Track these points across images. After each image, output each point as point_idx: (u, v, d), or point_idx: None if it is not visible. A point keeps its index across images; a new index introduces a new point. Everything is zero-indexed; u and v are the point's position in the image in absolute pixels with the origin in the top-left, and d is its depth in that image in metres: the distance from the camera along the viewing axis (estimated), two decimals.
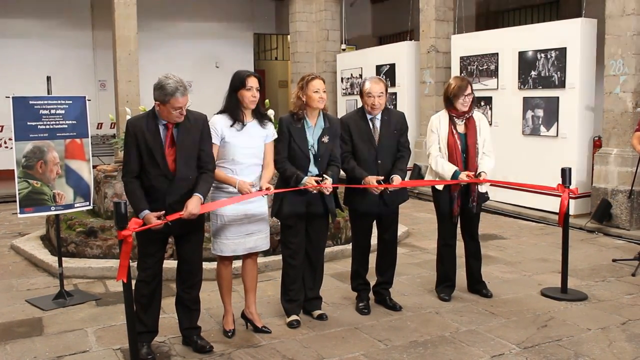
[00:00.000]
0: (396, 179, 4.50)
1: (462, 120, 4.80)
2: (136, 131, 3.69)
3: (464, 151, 4.79)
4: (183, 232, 3.85)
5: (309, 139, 4.28)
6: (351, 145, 4.55)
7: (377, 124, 4.58)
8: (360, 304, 4.73)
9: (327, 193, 4.27)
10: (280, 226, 4.51)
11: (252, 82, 3.99)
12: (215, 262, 4.43)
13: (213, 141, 3.95)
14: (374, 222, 4.75)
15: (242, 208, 4.07)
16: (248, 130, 4.07)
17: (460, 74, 9.71)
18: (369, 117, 4.57)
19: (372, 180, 4.41)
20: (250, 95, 3.99)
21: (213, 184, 4.01)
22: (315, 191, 4.19)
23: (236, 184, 3.96)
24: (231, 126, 4.01)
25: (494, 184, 5.05)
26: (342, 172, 4.54)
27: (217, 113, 4.10)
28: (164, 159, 3.69)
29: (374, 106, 4.50)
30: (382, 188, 4.43)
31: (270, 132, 4.20)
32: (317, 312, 4.54)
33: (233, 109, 4.02)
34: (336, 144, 4.40)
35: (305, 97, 4.23)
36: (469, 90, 4.73)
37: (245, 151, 4.04)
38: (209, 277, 5.15)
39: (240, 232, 4.11)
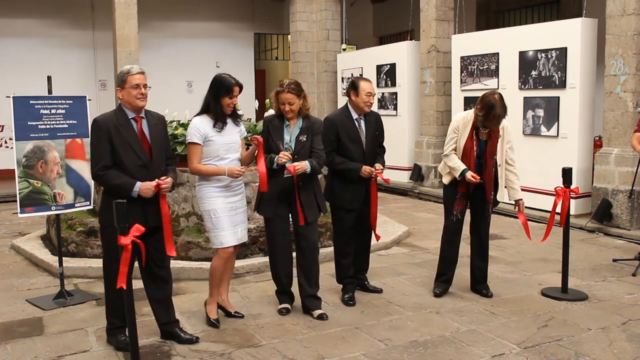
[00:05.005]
0: (378, 166, 4.77)
1: (486, 129, 4.76)
2: (108, 127, 3.80)
3: (479, 157, 4.80)
4: (155, 225, 3.87)
5: (286, 137, 4.48)
6: (337, 145, 4.75)
7: (363, 124, 4.82)
8: (346, 296, 4.89)
9: (299, 171, 4.38)
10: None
11: (237, 91, 4.27)
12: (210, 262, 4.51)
13: (195, 141, 4.21)
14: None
15: (228, 200, 4.31)
16: (227, 129, 4.31)
17: (461, 74, 9.72)
18: (354, 117, 4.78)
19: (369, 168, 4.70)
20: (232, 102, 4.27)
21: (200, 180, 4.34)
22: (283, 161, 4.31)
23: (225, 171, 4.21)
24: (213, 126, 4.24)
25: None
26: (326, 168, 4.77)
27: (197, 115, 4.33)
28: (142, 148, 3.84)
29: (371, 105, 4.76)
30: (373, 175, 4.72)
31: (242, 128, 4.48)
32: (317, 312, 4.57)
33: (218, 113, 4.25)
34: (316, 140, 4.55)
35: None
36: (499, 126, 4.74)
37: (228, 147, 4.29)
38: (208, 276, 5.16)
39: (231, 223, 4.33)
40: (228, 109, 4.27)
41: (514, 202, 4.98)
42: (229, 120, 4.32)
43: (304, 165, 4.35)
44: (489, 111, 4.56)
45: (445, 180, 4.95)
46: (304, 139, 4.48)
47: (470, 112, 4.81)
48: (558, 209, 5.05)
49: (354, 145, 4.75)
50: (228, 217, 4.28)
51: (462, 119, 4.85)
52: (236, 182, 4.35)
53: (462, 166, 4.75)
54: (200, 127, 4.21)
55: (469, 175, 4.69)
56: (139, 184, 3.77)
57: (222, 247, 4.31)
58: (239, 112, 4.55)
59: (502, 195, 5.00)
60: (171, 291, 4.14)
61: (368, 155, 4.79)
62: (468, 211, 5.04)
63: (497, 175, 4.88)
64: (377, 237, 5.09)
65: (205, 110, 4.30)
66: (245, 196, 4.50)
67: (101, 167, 3.79)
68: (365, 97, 4.71)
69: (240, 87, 4.29)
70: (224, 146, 4.25)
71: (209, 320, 4.42)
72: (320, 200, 4.64)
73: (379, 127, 4.91)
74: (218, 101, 4.23)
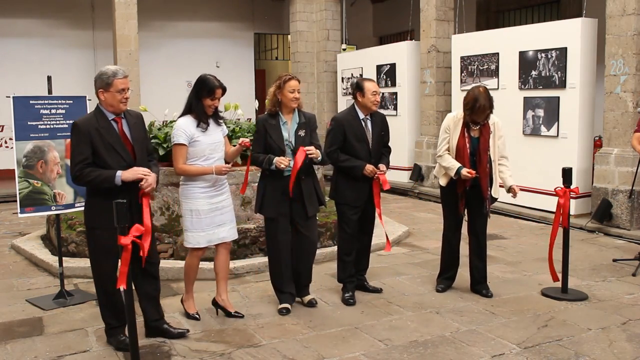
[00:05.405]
0: (382, 167, 4.82)
1: (477, 125, 4.83)
2: (90, 129, 3.76)
3: (473, 154, 4.82)
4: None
5: (284, 134, 4.52)
6: (343, 144, 4.80)
7: (369, 124, 4.86)
8: (346, 295, 4.90)
9: (310, 157, 4.46)
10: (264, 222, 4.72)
11: (219, 93, 4.31)
12: (211, 262, 4.56)
13: (182, 142, 4.24)
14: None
15: (213, 201, 4.38)
16: (210, 129, 4.36)
17: (461, 74, 9.72)
18: (361, 117, 4.83)
19: (371, 167, 4.74)
20: (214, 104, 4.31)
21: (185, 180, 4.38)
22: (283, 166, 4.37)
23: (213, 170, 4.27)
24: (197, 127, 4.27)
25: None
26: (328, 166, 4.86)
27: (180, 116, 4.36)
28: (125, 149, 3.83)
29: (378, 103, 4.81)
30: (376, 175, 4.75)
31: (224, 127, 4.54)
32: (307, 298, 4.74)
33: (200, 113, 4.29)
34: (314, 136, 4.65)
35: (281, 95, 4.51)
36: (487, 114, 4.79)
37: (213, 146, 4.35)
38: (209, 276, 5.17)
39: (214, 224, 4.39)
40: (209, 110, 4.31)
41: (509, 192, 4.93)
42: (210, 121, 4.36)
43: (319, 153, 4.47)
44: (474, 103, 4.69)
45: (442, 182, 4.98)
46: (303, 133, 4.54)
47: (460, 112, 4.89)
48: (553, 207, 5.06)
49: (361, 144, 4.80)
50: (210, 218, 4.34)
51: (453, 118, 4.92)
52: (220, 182, 4.40)
53: (457, 164, 4.78)
54: (186, 128, 4.25)
55: (465, 171, 4.73)
56: (119, 172, 3.73)
57: (196, 247, 4.39)
58: (222, 113, 4.59)
59: (499, 193, 4.99)
60: (160, 288, 4.16)
61: (374, 155, 4.84)
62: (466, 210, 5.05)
63: (492, 171, 4.90)
64: (388, 246, 5.23)
65: (187, 110, 4.33)
66: (230, 195, 4.54)
67: (79, 168, 3.74)
68: (371, 97, 4.77)
69: (224, 90, 4.32)
70: (209, 146, 4.30)
71: (189, 315, 4.51)
72: (320, 193, 4.71)
73: (385, 127, 4.97)
74: (199, 101, 4.27)
